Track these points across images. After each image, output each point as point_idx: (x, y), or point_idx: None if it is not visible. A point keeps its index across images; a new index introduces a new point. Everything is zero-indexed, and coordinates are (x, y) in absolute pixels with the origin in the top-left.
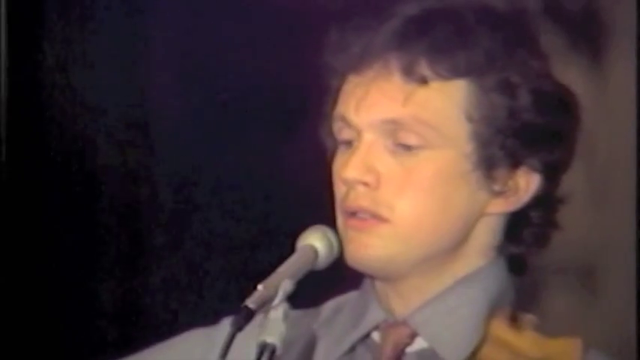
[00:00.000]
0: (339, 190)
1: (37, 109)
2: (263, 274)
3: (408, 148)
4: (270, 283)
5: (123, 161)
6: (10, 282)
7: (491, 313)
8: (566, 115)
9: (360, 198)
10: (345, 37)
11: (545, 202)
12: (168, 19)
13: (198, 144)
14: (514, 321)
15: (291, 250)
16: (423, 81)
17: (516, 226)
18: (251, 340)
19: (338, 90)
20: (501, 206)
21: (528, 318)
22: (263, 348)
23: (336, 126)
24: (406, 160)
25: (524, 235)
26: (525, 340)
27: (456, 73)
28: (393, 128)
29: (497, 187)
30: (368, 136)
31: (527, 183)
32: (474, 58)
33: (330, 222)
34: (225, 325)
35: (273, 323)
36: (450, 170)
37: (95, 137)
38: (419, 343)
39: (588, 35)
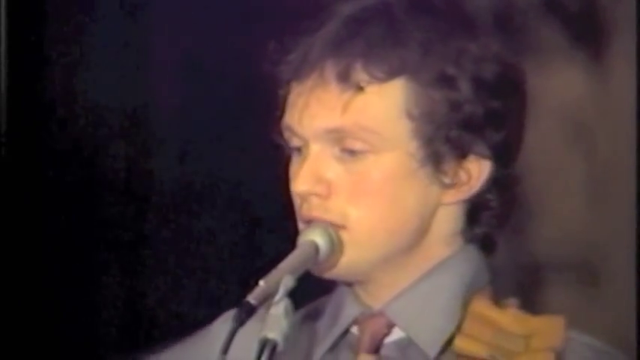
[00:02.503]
0: (295, 198)
1: (37, 107)
2: (264, 270)
3: (354, 153)
4: (272, 279)
5: (124, 159)
6: (10, 283)
7: (470, 295)
8: (511, 94)
9: (312, 209)
10: (283, 45)
11: (501, 184)
12: (169, 16)
13: (200, 140)
14: (496, 302)
15: (293, 246)
16: (359, 87)
17: (475, 210)
18: (252, 336)
19: (285, 98)
20: (455, 196)
21: (511, 300)
22: (264, 344)
23: (286, 134)
24: (353, 165)
25: (483, 218)
26: (508, 316)
27: (391, 73)
28: (337, 136)
29: (447, 180)
30: (314, 146)
31: (478, 170)
32: (407, 55)
33: None
34: (221, 319)
35: (275, 319)
36: (398, 171)
37: (96, 136)
38: (397, 333)
39: (589, 34)
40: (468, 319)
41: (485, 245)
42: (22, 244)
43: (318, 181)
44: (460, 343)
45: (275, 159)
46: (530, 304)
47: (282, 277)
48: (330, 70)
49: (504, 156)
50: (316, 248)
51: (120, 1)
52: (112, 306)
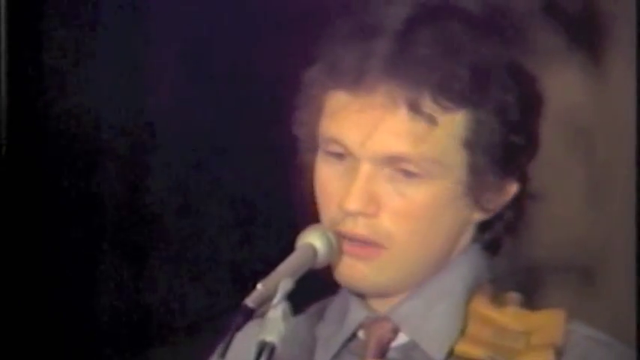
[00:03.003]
0: (329, 207)
1: (37, 110)
2: (262, 273)
3: (408, 174)
4: (270, 282)
5: (124, 161)
6: (12, 285)
7: (471, 295)
8: (537, 111)
9: (359, 227)
10: (334, 52)
11: (518, 199)
12: (170, 19)
13: (200, 143)
14: (496, 299)
15: (291, 248)
16: (432, 120)
17: (489, 220)
18: (250, 339)
19: (320, 99)
20: (484, 215)
21: (511, 295)
22: (262, 347)
23: (326, 141)
24: (406, 188)
25: (495, 227)
26: (508, 314)
27: (458, 104)
28: (395, 160)
29: (486, 205)
30: (366, 166)
31: (509, 192)
32: (470, 85)
33: None
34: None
35: (273, 322)
36: (446, 197)
37: (96, 139)
38: (402, 338)
39: (588, 37)
40: (468, 319)
41: (491, 247)
42: (20, 248)
43: (370, 200)
44: (460, 347)
45: (275, 161)
46: (530, 307)
47: (281, 280)
48: (400, 96)
49: (526, 173)
50: (314, 251)
51: (119, 3)
52: (113, 307)
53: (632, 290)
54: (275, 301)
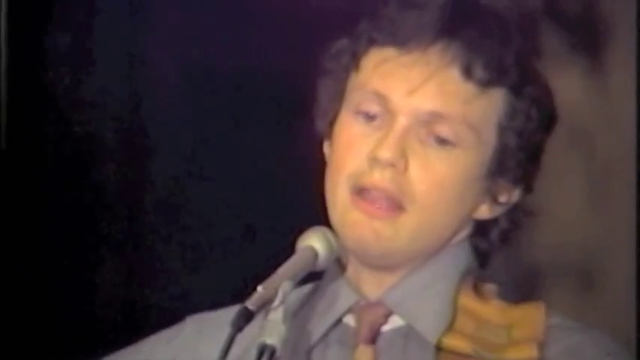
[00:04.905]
0: (352, 162)
1: (36, 107)
2: (262, 275)
3: (441, 142)
4: (270, 285)
5: (122, 156)
6: (10, 281)
7: (460, 284)
8: (554, 123)
9: (386, 180)
10: (388, 10)
11: (517, 211)
12: (169, 17)
13: (197, 141)
14: (477, 291)
15: (291, 251)
16: (485, 86)
17: (486, 225)
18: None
19: (357, 61)
20: (486, 213)
21: (489, 287)
22: (262, 349)
23: (361, 97)
24: (435, 153)
25: (492, 235)
26: (490, 308)
27: (504, 80)
28: (434, 120)
29: (497, 197)
30: (403, 120)
31: (515, 196)
32: (518, 69)
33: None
34: (189, 322)
35: (273, 324)
36: (471, 172)
37: (94, 133)
38: (393, 322)
39: (588, 35)
40: (454, 311)
41: (482, 257)
42: (19, 243)
43: (402, 154)
44: (447, 340)
45: (276, 163)
46: (507, 300)
47: (281, 282)
48: (454, 59)
49: (530, 187)
50: (315, 253)
51: (120, 3)
52: (111, 305)
53: (632, 292)
54: (275, 303)
